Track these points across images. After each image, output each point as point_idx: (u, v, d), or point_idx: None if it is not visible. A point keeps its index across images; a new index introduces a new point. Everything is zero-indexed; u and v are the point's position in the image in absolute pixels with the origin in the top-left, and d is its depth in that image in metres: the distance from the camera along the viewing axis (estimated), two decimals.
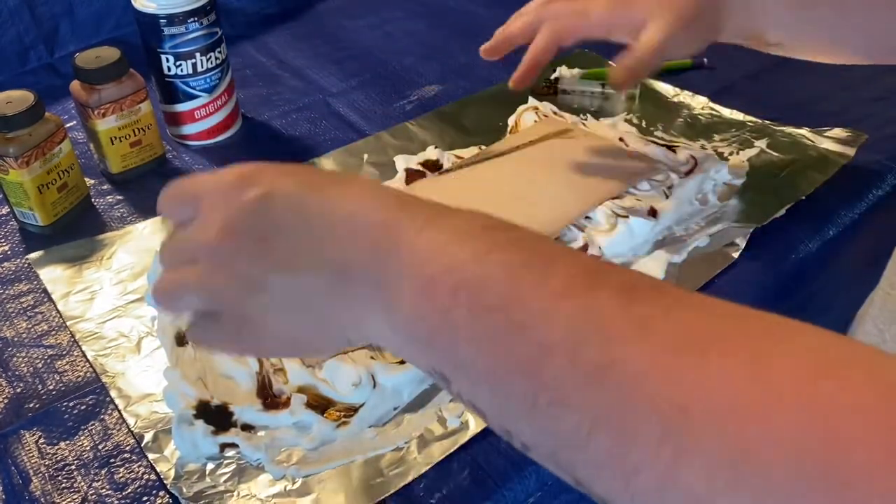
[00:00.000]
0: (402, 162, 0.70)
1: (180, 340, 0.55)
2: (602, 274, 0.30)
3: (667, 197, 0.64)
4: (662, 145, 0.70)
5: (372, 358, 0.53)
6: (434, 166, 0.70)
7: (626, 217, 0.61)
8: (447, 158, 0.71)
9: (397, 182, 0.69)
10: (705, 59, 0.85)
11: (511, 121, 0.77)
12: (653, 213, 0.63)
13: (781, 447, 0.23)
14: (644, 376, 0.26)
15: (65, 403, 0.53)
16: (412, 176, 0.69)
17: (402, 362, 0.53)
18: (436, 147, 0.72)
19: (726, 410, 0.25)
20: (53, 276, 0.62)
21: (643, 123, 0.77)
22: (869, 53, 0.60)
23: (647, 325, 0.27)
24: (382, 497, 0.47)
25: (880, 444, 0.22)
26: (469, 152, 0.72)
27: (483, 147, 0.73)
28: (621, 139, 0.71)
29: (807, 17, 0.57)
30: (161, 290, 0.39)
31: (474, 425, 0.50)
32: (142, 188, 0.72)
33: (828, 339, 0.26)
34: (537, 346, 0.28)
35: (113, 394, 0.53)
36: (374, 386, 0.51)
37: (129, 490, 0.48)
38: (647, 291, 0.29)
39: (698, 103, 0.79)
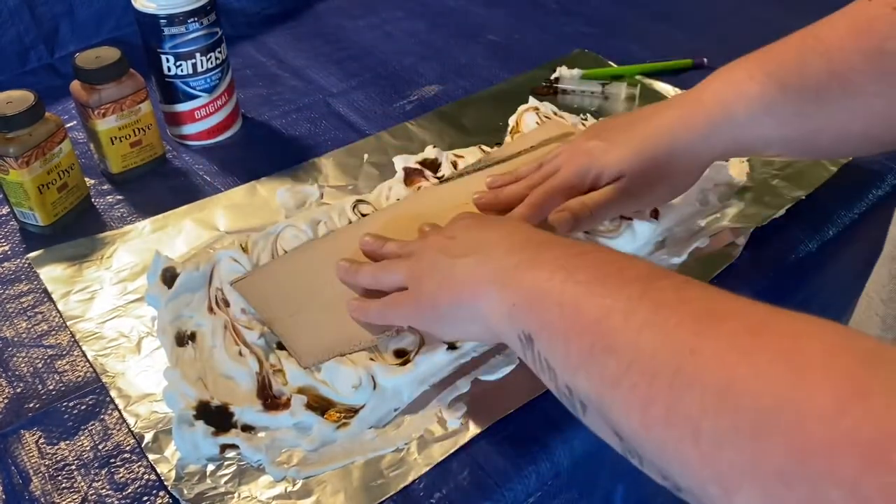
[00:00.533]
0: (401, 162, 0.71)
1: (180, 340, 0.55)
2: (662, 273, 0.41)
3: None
4: None
5: (371, 359, 0.53)
6: (432, 165, 0.70)
7: (630, 219, 0.61)
8: (445, 157, 0.71)
9: (396, 182, 0.69)
10: (705, 59, 0.85)
11: (511, 121, 0.77)
12: (655, 214, 0.63)
13: (758, 381, 0.30)
14: (668, 334, 0.34)
15: (65, 403, 0.53)
16: (411, 174, 0.69)
17: (403, 364, 0.53)
18: (434, 146, 0.72)
19: (724, 353, 0.32)
20: (53, 276, 0.62)
21: None
22: (879, 141, 0.56)
23: (681, 302, 0.36)
24: (382, 499, 0.47)
25: (837, 389, 0.28)
26: (468, 152, 0.72)
27: (483, 146, 0.73)
28: None
29: (814, 114, 0.53)
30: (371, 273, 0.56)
31: (474, 426, 0.50)
32: (142, 188, 0.72)
33: (812, 319, 0.32)
34: (601, 311, 0.38)
35: (113, 394, 0.53)
36: (375, 387, 0.51)
37: (130, 490, 0.48)
38: (695, 288, 0.38)
39: None
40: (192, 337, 0.56)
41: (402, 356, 0.54)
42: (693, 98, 0.57)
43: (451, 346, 0.54)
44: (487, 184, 0.64)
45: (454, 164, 0.70)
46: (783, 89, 0.53)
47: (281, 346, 0.54)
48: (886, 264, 0.44)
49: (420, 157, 0.71)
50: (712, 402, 0.31)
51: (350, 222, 0.64)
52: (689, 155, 0.57)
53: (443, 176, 0.69)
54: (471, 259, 0.48)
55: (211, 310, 0.57)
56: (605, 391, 0.36)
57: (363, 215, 0.65)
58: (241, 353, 0.54)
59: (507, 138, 0.75)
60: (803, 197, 0.66)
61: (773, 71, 0.54)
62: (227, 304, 0.57)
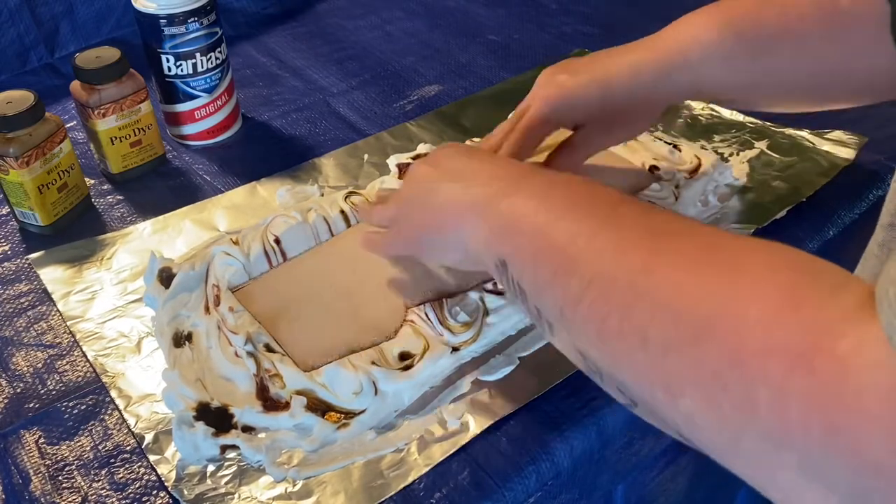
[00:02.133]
0: (396, 161, 0.71)
1: (177, 341, 0.55)
2: (629, 200, 0.42)
3: (675, 197, 0.64)
4: (668, 143, 0.70)
5: (373, 363, 0.52)
6: None
7: None
8: None
9: (390, 178, 0.69)
10: None
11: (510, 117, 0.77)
12: None
13: (700, 291, 0.33)
14: (625, 253, 0.37)
15: (65, 403, 0.53)
16: (403, 168, 0.69)
17: (405, 369, 0.52)
18: (427, 144, 0.72)
19: (673, 268, 0.35)
20: (53, 276, 0.62)
21: None
22: (826, 97, 0.60)
23: (640, 225, 0.39)
24: (382, 499, 0.47)
25: (772, 300, 0.30)
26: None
27: (475, 139, 0.72)
28: None
29: (764, 62, 0.56)
30: (368, 212, 0.59)
31: (474, 426, 0.50)
32: (142, 188, 0.72)
33: (759, 240, 0.36)
34: (568, 235, 0.40)
35: (113, 394, 0.53)
36: (376, 393, 0.51)
37: (130, 490, 0.48)
38: (659, 213, 0.41)
39: (698, 104, 0.78)
40: (189, 337, 0.55)
41: (406, 359, 0.53)
42: (655, 41, 0.59)
43: (455, 349, 0.54)
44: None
45: None
46: (738, 38, 0.56)
47: (269, 349, 0.54)
48: (878, 236, 0.45)
49: (413, 153, 0.71)
50: (659, 312, 0.34)
51: (342, 212, 0.64)
52: (649, 93, 0.59)
53: None
54: (453, 185, 0.49)
55: (207, 310, 0.57)
56: (568, 310, 0.39)
57: (356, 206, 0.65)
58: (237, 355, 0.53)
59: None
60: (804, 198, 0.66)
61: (730, 20, 0.56)
62: (218, 303, 0.57)
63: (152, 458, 0.49)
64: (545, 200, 0.43)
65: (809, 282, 0.31)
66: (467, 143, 0.72)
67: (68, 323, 0.58)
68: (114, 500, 0.48)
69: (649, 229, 0.38)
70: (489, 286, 0.57)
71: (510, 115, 0.63)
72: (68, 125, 0.76)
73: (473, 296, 0.57)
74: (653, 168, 0.68)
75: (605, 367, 0.38)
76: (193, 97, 0.74)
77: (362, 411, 0.51)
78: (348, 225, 0.64)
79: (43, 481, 0.49)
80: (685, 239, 0.37)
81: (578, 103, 0.59)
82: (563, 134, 0.73)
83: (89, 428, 0.52)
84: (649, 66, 0.58)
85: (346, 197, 0.66)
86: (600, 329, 0.37)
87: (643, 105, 0.60)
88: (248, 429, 0.50)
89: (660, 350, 0.33)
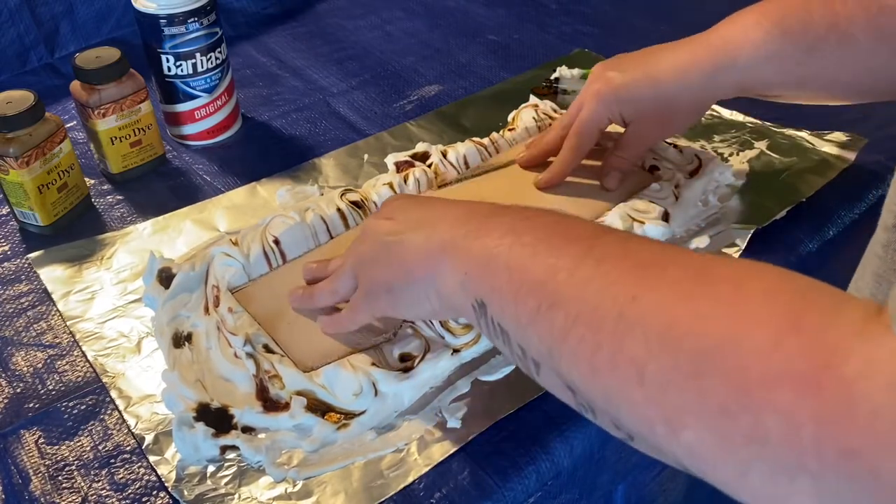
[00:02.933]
0: (393, 159, 0.71)
1: (177, 342, 0.55)
2: (607, 230, 0.43)
3: (676, 197, 0.64)
4: (669, 143, 0.70)
5: (374, 364, 0.52)
6: (423, 157, 0.70)
7: (642, 223, 0.61)
8: (435, 150, 0.70)
9: (388, 176, 0.68)
10: None
11: (510, 117, 0.77)
12: (665, 217, 0.62)
13: (698, 322, 0.32)
14: (611, 284, 0.36)
15: (65, 403, 0.53)
16: (401, 166, 0.69)
17: (406, 371, 0.52)
18: (424, 143, 0.72)
19: (665, 298, 0.34)
20: (53, 276, 0.62)
21: None
22: (869, 93, 0.62)
23: (624, 256, 0.38)
24: (382, 499, 0.47)
25: (773, 326, 0.30)
26: (460, 145, 0.71)
27: (474, 139, 0.72)
28: None
29: (809, 62, 0.57)
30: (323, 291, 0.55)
31: (474, 426, 0.50)
32: (142, 188, 0.72)
33: (751, 262, 0.35)
34: (547, 270, 0.39)
35: (113, 394, 0.53)
36: (376, 394, 0.51)
37: (130, 491, 0.48)
38: (637, 241, 0.41)
39: None
40: (189, 338, 0.55)
41: (406, 361, 0.53)
42: (705, 40, 0.60)
43: (456, 351, 0.54)
44: (525, 146, 0.70)
45: (443, 154, 0.70)
46: (785, 37, 0.57)
47: (268, 350, 0.54)
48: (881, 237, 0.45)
49: (411, 152, 0.71)
50: (655, 344, 0.33)
51: (339, 210, 0.64)
52: (695, 92, 0.61)
53: (432, 164, 0.69)
54: (416, 234, 0.47)
55: (207, 310, 0.57)
56: (555, 345, 0.37)
57: (352, 202, 0.65)
58: (236, 356, 0.53)
59: (502, 133, 0.74)
60: (804, 198, 0.66)
61: (778, 20, 0.57)
62: (218, 304, 0.57)
63: (152, 458, 0.49)
64: (519, 237, 0.42)
65: (808, 303, 0.30)
66: (468, 142, 0.72)
67: (68, 323, 0.58)
68: (114, 500, 0.48)
69: (633, 260, 0.37)
70: None
71: (567, 110, 0.66)
72: (68, 125, 0.76)
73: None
74: (652, 168, 0.68)
75: (599, 403, 0.36)
76: (193, 97, 0.74)
77: (362, 412, 0.51)
78: (346, 224, 0.64)
79: (43, 481, 0.49)
80: (672, 268, 0.36)
81: (628, 99, 0.61)
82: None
83: (89, 428, 0.52)
84: (697, 66, 0.60)
85: (342, 195, 0.66)
86: (591, 363, 0.35)
87: (690, 103, 0.62)
88: (247, 429, 0.50)
89: (658, 384, 0.32)
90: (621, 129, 0.65)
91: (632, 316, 0.34)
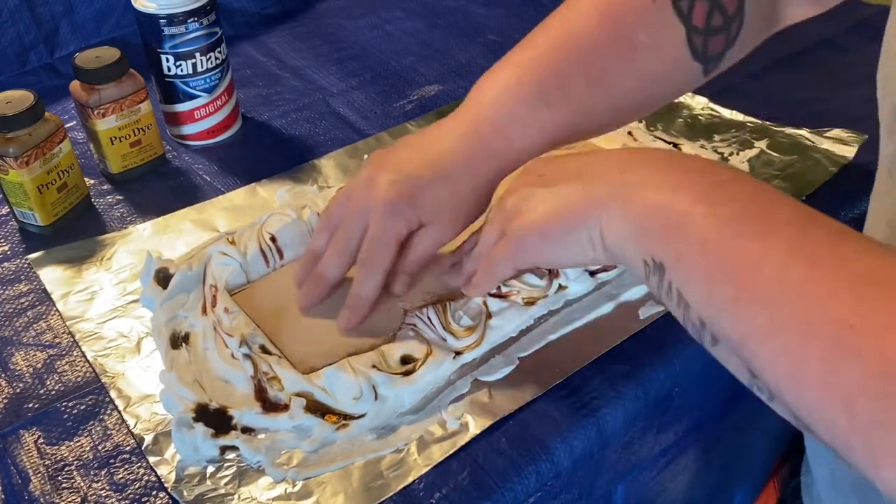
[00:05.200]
0: None
1: (174, 342, 0.55)
2: (815, 218, 0.37)
3: None
4: (668, 142, 0.70)
5: (374, 367, 0.52)
6: None
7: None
8: None
9: None
10: None
11: None
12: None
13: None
14: (828, 300, 0.33)
15: (64, 403, 0.53)
16: None
17: (406, 374, 0.52)
18: None
19: (884, 331, 0.31)
20: (53, 277, 0.62)
21: (643, 124, 0.76)
22: (640, 115, 0.65)
23: (838, 260, 0.35)
24: (382, 499, 0.47)
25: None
26: None
27: None
28: (630, 133, 0.72)
29: (579, 122, 0.55)
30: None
31: (474, 426, 0.50)
32: (142, 188, 0.72)
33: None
34: (752, 258, 0.36)
35: (113, 394, 0.53)
36: (376, 398, 0.51)
37: (129, 491, 0.48)
38: (852, 241, 0.36)
39: (698, 104, 0.79)
40: (186, 338, 0.55)
41: (408, 363, 0.53)
42: (472, 127, 0.55)
43: (458, 354, 0.54)
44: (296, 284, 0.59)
45: None
46: (550, 108, 0.54)
47: (265, 350, 0.54)
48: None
49: None
50: (871, 382, 0.31)
51: None
52: (487, 180, 0.54)
53: None
54: (577, 183, 0.44)
55: (204, 310, 0.57)
56: (751, 342, 0.35)
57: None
58: (233, 356, 0.53)
59: None
60: (803, 198, 0.66)
61: (537, 92, 0.54)
62: (215, 304, 0.57)
63: (152, 458, 0.49)
64: (714, 206, 0.38)
65: None
66: None
67: (68, 323, 0.58)
68: (113, 500, 0.48)
69: (850, 270, 0.34)
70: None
71: (326, 223, 0.56)
72: (68, 125, 0.76)
73: (476, 299, 0.56)
74: None
75: (789, 403, 0.35)
76: (193, 97, 0.74)
77: (362, 415, 0.51)
78: None
79: (42, 481, 0.49)
80: (893, 289, 0.33)
81: (426, 202, 0.54)
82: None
83: (89, 428, 0.52)
84: (482, 155, 0.54)
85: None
86: (793, 374, 0.34)
87: (482, 191, 0.55)
88: (247, 430, 0.50)
89: (867, 421, 0.31)
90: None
91: (847, 344, 0.32)
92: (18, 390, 0.54)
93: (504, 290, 0.57)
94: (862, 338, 0.32)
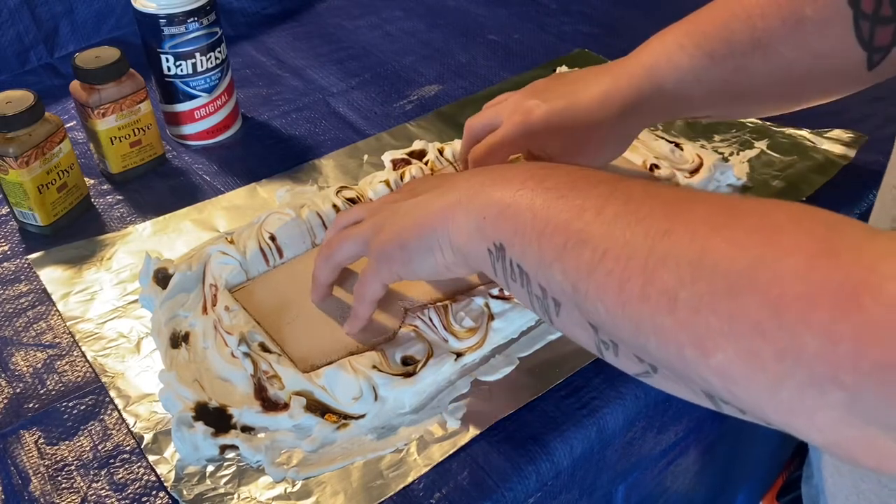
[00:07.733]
0: (390, 157, 0.71)
1: (174, 342, 0.55)
2: (636, 177, 0.39)
3: None
4: (670, 142, 0.70)
5: (375, 367, 0.52)
6: (420, 155, 0.70)
7: None
8: (432, 147, 0.71)
9: (385, 174, 0.68)
10: None
11: None
12: None
13: (732, 248, 0.32)
14: (641, 220, 0.36)
15: (64, 403, 0.53)
16: (398, 163, 0.69)
17: (407, 375, 0.52)
18: (421, 140, 0.72)
19: (697, 230, 0.34)
20: (53, 277, 0.62)
21: None
22: (798, 100, 0.62)
23: (649, 195, 0.38)
24: (381, 499, 0.47)
25: (807, 249, 0.30)
26: (457, 144, 0.72)
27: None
28: None
29: (736, 81, 0.56)
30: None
31: (474, 426, 0.50)
32: (142, 188, 0.72)
33: (776, 200, 0.35)
34: (574, 209, 0.39)
35: (112, 394, 0.53)
36: (376, 398, 0.51)
37: (129, 491, 0.48)
38: (663, 185, 0.41)
39: None
40: (186, 338, 0.55)
41: (409, 364, 0.53)
42: (626, 67, 0.58)
43: (459, 355, 0.54)
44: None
45: (440, 151, 0.70)
46: (711, 58, 0.56)
47: (265, 349, 0.54)
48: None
49: (408, 150, 0.71)
50: (688, 272, 0.33)
51: (335, 206, 0.64)
52: (616, 124, 0.58)
53: (428, 162, 0.69)
54: (432, 193, 0.48)
55: (205, 310, 0.57)
56: (580, 281, 0.38)
57: (348, 199, 0.64)
58: (233, 355, 0.53)
59: None
60: (804, 197, 0.66)
61: (701, 42, 0.56)
62: (216, 303, 0.57)
63: (151, 458, 0.49)
64: (541, 182, 0.42)
65: (838, 231, 0.31)
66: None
67: (68, 323, 0.58)
68: (113, 500, 0.48)
69: (661, 199, 0.37)
70: (495, 291, 0.57)
71: (466, 144, 0.62)
72: (68, 125, 0.76)
73: (478, 301, 0.56)
74: (653, 167, 0.68)
75: (625, 335, 0.37)
76: (193, 97, 0.74)
77: (362, 415, 0.51)
78: None
79: (42, 481, 0.49)
80: (700, 205, 0.36)
81: (545, 131, 0.57)
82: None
83: (89, 428, 0.52)
84: (618, 96, 0.57)
85: (338, 191, 0.65)
86: (620, 296, 0.36)
87: (615, 132, 0.59)
88: (247, 429, 0.50)
89: (690, 308, 0.33)
90: None
91: (664, 248, 0.34)
92: (18, 390, 0.54)
93: (507, 292, 0.57)
94: (676, 238, 0.34)
